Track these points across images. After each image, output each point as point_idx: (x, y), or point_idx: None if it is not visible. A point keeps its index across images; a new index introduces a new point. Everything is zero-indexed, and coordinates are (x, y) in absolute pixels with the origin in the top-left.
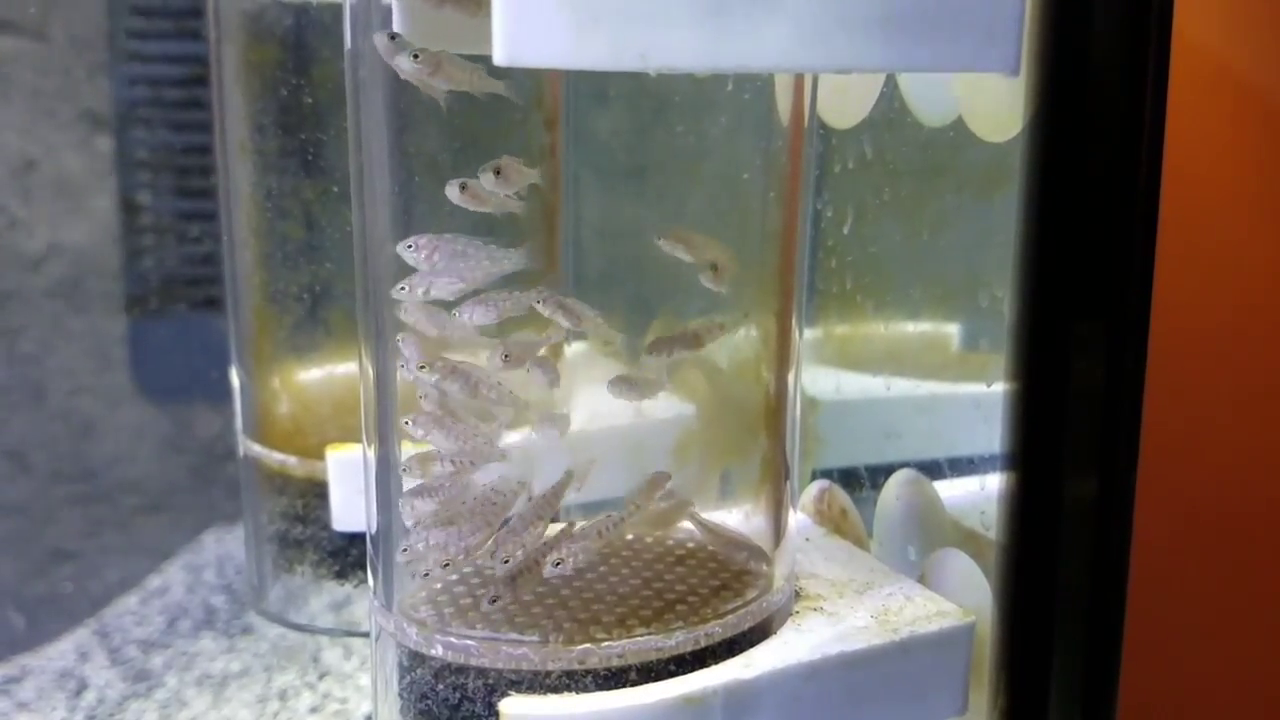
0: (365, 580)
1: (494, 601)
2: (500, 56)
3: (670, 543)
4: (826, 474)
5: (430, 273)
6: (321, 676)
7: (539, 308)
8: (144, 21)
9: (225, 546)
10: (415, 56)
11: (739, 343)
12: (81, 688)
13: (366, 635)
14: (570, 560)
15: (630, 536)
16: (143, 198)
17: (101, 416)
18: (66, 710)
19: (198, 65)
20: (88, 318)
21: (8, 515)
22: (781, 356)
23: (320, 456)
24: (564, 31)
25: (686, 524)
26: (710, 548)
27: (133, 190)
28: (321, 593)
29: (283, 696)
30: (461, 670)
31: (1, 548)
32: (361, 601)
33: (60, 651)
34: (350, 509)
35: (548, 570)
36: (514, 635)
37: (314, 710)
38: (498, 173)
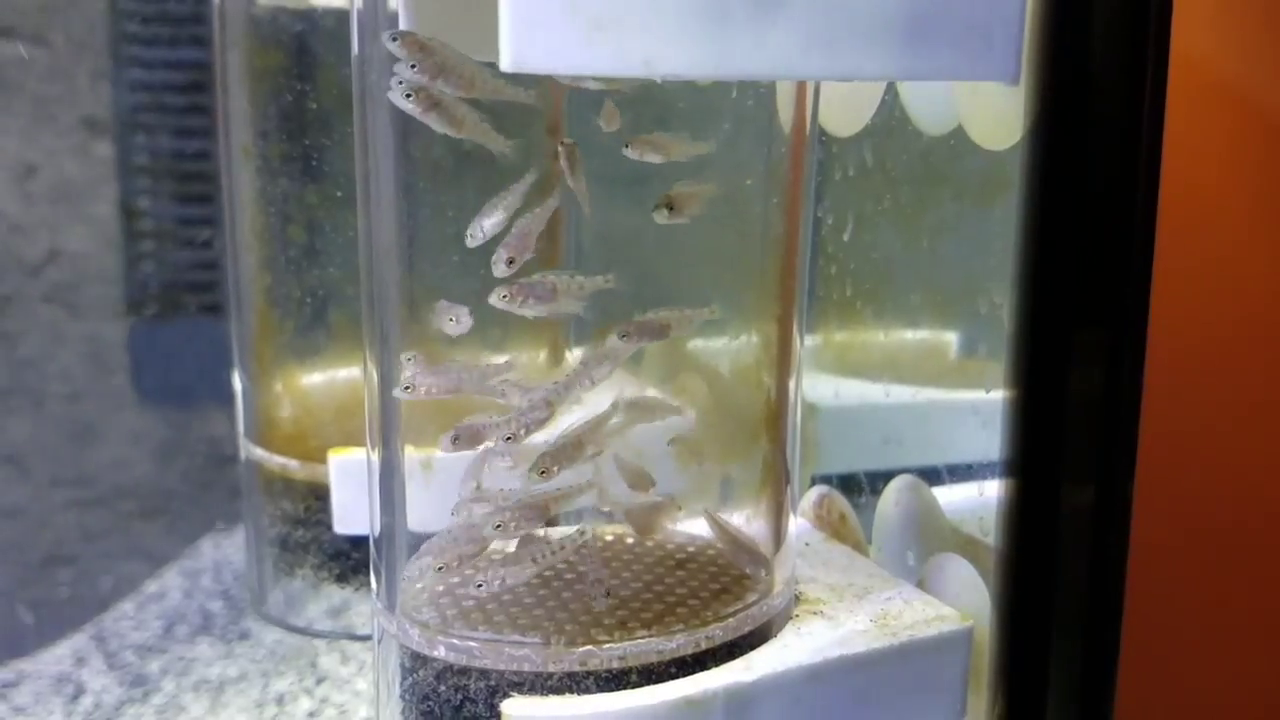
0: (366, 584)
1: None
2: (507, 62)
3: (671, 546)
4: (826, 479)
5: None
6: (319, 681)
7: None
8: (144, 27)
9: (223, 552)
10: (409, 96)
11: (740, 348)
12: (79, 692)
13: (365, 639)
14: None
15: (630, 540)
16: (142, 203)
17: (101, 421)
18: (63, 715)
19: (198, 71)
20: (87, 323)
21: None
22: (782, 362)
23: (322, 460)
24: (570, 38)
25: (681, 527)
26: (713, 551)
27: (133, 195)
28: (321, 597)
29: (280, 701)
30: (464, 672)
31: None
32: (361, 605)
33: (57, 656)
34: (352, 512)
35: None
36: (516, 637)
37: (312, 715)
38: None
